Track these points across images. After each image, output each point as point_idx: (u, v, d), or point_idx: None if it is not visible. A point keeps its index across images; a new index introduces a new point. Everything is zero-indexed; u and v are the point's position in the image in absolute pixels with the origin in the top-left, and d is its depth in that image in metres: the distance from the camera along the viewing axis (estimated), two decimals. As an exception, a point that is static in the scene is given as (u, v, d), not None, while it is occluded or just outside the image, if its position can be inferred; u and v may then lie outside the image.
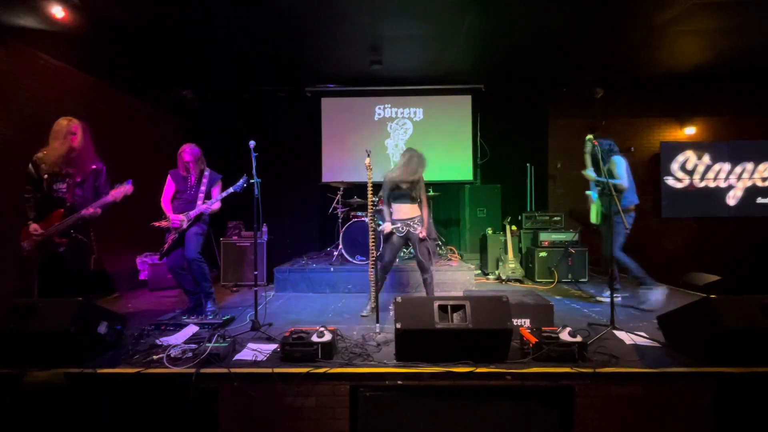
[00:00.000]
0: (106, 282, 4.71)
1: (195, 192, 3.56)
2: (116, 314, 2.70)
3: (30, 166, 3.08)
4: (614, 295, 2.91)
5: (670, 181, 6.64)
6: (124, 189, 3.16)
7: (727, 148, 6.68)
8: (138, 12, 3.92)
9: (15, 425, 2.26)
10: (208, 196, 3.60)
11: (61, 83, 4.56)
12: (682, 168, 6.66)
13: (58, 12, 3.62)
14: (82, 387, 2.24)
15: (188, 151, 3.55)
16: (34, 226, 3.01)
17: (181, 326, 2.92)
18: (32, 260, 3.09)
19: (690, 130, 6.78)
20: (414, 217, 3.52)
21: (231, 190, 3.49)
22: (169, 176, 3.62)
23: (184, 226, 3.48)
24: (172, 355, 2.34)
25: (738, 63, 5.33)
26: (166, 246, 3.53)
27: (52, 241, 3.07)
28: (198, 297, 3.66)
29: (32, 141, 3.22)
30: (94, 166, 3.19)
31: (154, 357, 2.35)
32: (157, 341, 2.63)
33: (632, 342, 2.64)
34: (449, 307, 2.33)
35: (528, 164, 6.42)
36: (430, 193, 5.23)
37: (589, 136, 3.20)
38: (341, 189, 5.30)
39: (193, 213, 3.48)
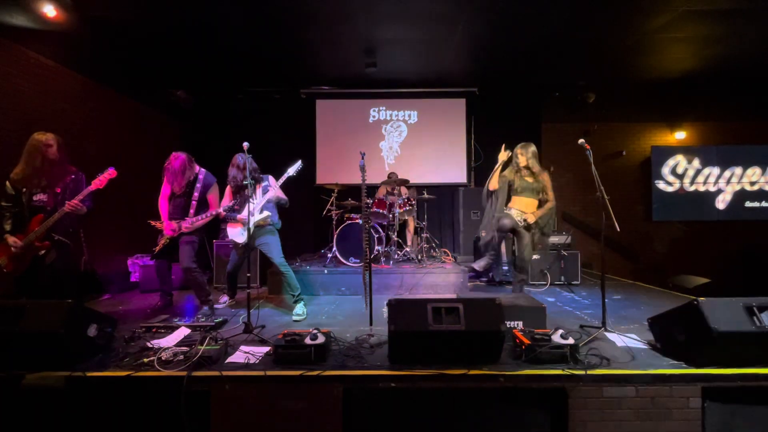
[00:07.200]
0: (96, 283, 4.64)
1: (188, 200, 3.50)
2: (106, 316, 2.66)
3: (6, 183, 3.05)
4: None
5: (660, 185, 6.73)
6: (107, 174, 3.15)
7: (716, 152, 6.79)
8: (131, 12, 3.89)
9: (3, 428, 2.23)
10: (202, 203, 3.55)
11: (54, 83, 4.51)
12: (673, 172, 6.76)
13: (49, 11, 3.59)
14: (71, 391, 2.20)
15: (169, 169, 3.42)
16: (12, 239, 2.97)
17: (172, 328, 2.89)
18: (11, 273, 3.02)
19: (680, 135, 6.88)
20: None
21: (208, 214, 3.47)
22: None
23: (175, 234, 3.46)
24: (163, 358, 2.31)
25: (727, 69, 5.42)
26: (158, 248, 3.52)
27: (33, 246, 3.02)
28: (168, 299, 3.81)
29: (24, 141, 3.16)
30: (72, 176, 3.18)
31: (145, 360, 2.33)
32: (148, 344, 2.60)
33: (623, 344, 2.66)
34: (443, 309, 2.33)
35: (521, 167, 6.46)
36: (423, 196, 5.25)
37: (581, 141, 3.23)
38: (335, 191, 5.30)
39: (186, 225, 3.43)
